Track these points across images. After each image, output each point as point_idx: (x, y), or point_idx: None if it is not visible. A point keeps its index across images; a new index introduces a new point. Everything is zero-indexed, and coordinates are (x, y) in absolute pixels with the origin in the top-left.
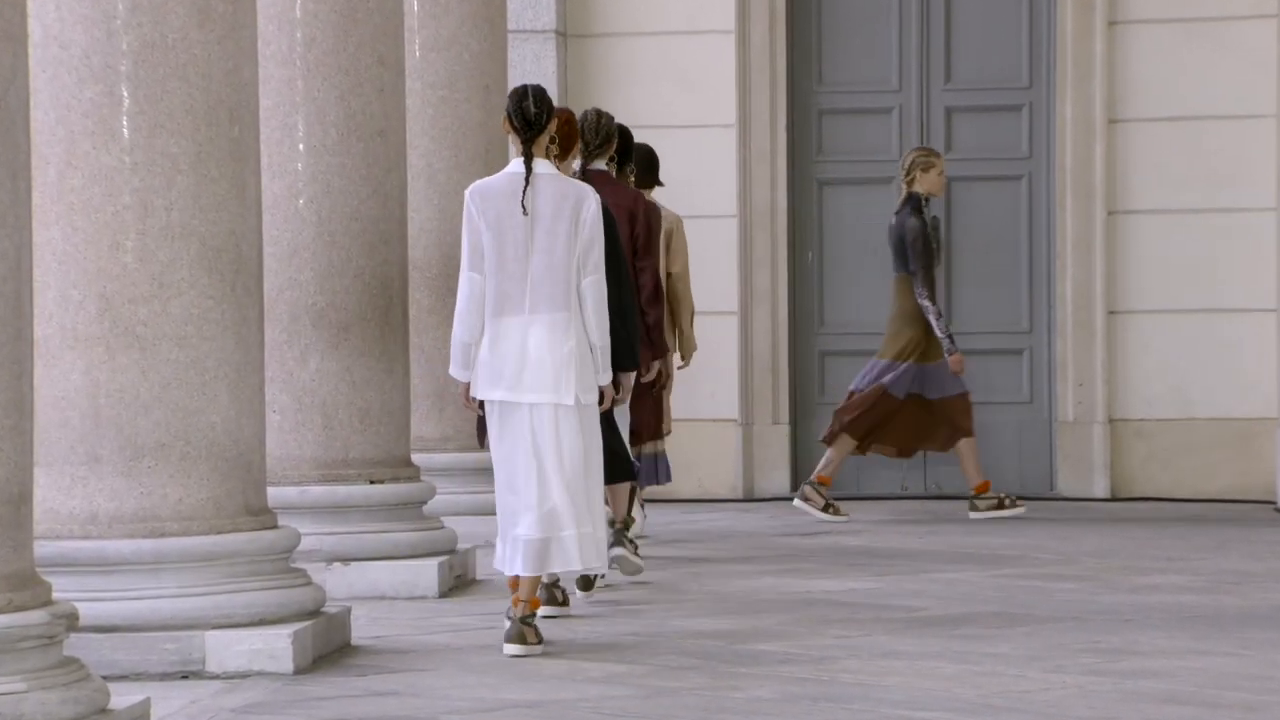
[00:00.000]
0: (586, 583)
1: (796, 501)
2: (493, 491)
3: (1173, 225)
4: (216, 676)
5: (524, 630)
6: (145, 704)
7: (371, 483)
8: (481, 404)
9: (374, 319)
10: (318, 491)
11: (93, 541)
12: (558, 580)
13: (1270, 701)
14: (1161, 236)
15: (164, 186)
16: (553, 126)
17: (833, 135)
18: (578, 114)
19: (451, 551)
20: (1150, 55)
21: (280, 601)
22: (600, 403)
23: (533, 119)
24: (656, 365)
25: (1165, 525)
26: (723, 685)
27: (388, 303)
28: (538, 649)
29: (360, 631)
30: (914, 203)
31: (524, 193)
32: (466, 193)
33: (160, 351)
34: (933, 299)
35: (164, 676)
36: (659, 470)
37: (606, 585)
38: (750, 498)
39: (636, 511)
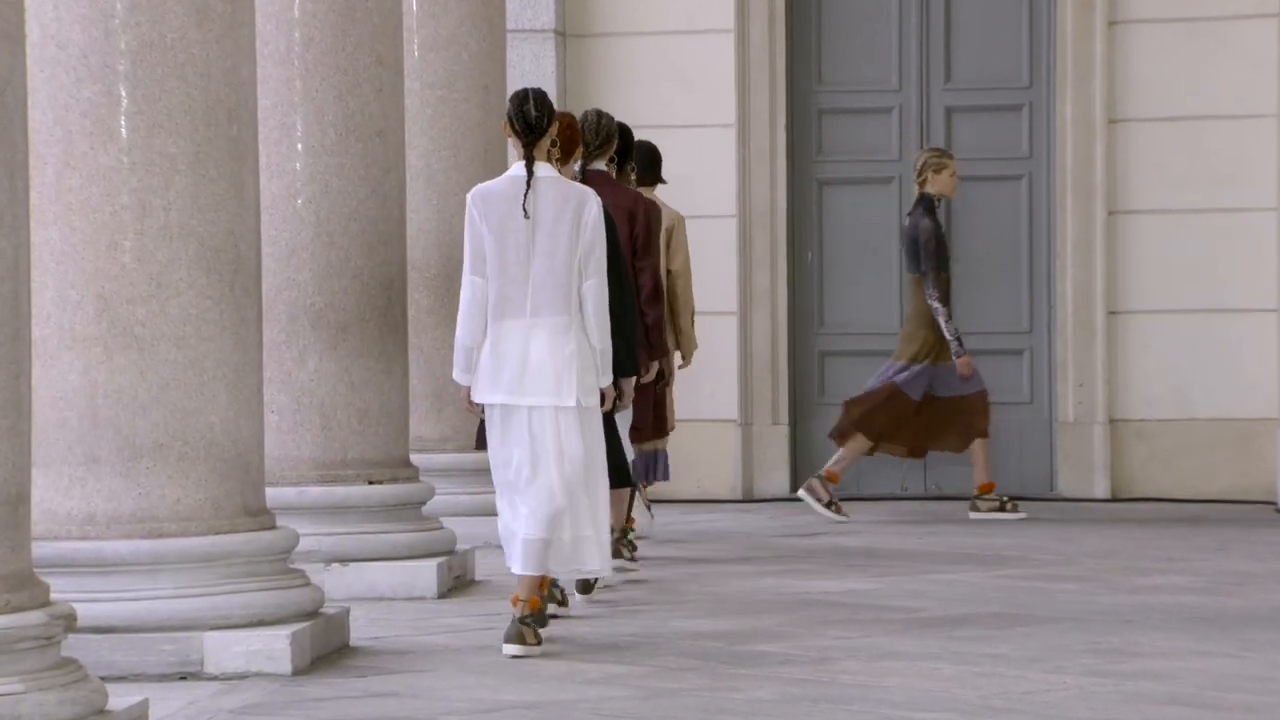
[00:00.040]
0: (586, 585)
1: (801, 491)
2: (491, 492)
3: (1173, 225)
4: (215, 677)
5: (523, 630)
6: (143, 705)
7: (370, 483)
8: (483, 408)
9: (373, 319)
10: (316, 492)
11: (91, 542)
12: (556, 581)
13: (1271, 703)
14: (1162, 236)
15: (162, 186)
16: (554, 130)
17: (832, 135)
18: (578, 115)
19: (450, 552)
20: (1150, 55)
21: (278, 602)
22: (601, 404)
23: (534, 122)
24: (655, 366)
25: (1166, 526)
26: (722, 686)
27: (386, 303)
28: (536, 650)
29: (359, 632)
30: (926, 203)
31: (525, 196)
32: (468, 196)
33: (158, 352)
34: (943, 300)
35: (162, 677)
36: (658, 468)
37: (605, 586)
38: (750, 498)
39: (641, 512)
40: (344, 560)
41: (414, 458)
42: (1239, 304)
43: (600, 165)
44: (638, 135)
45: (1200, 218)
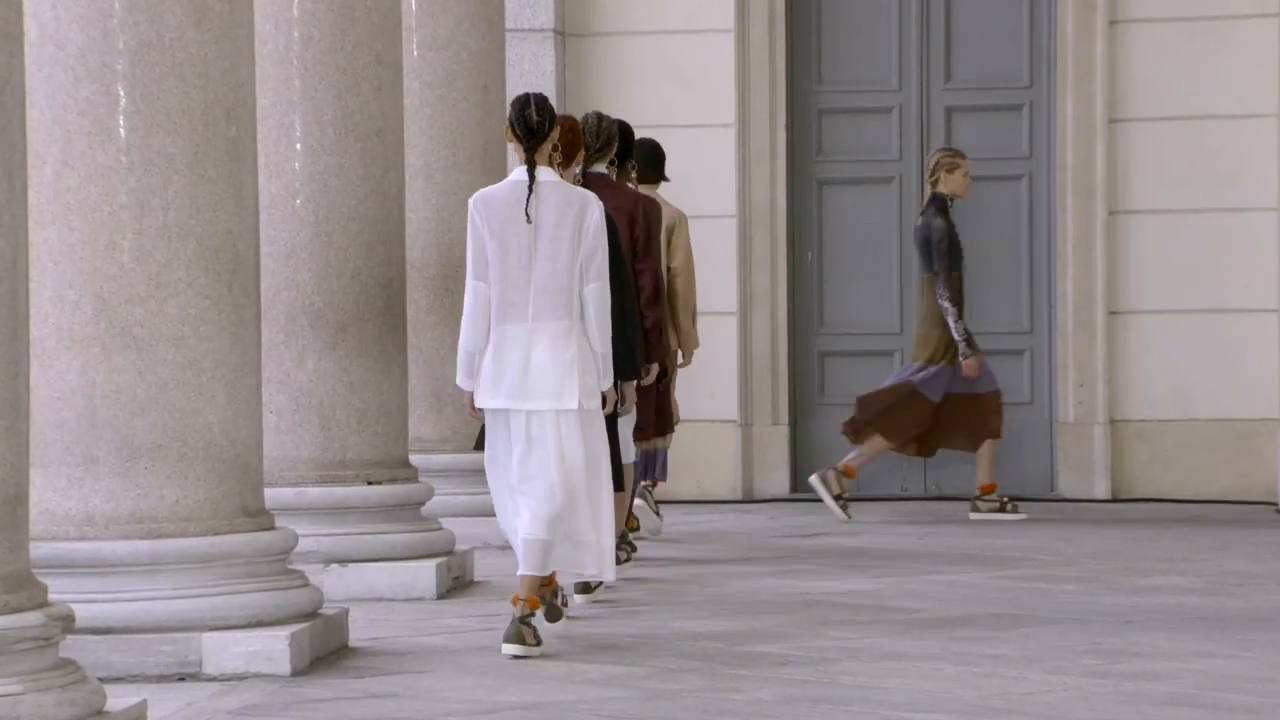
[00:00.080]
0: (586, 586)
1: (814, 479)
2: (490, 493)
3: (1174, 225)
4: (213, 678)
5: (522, 630)
6: (142, 706)
7: (369, 484)
8: (484, 412)
9: (371, 319)
10: (315, 493)
11: (89, 543)
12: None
13: (1272, 704)
14: (1162, 236)
15: (160, 186)
16: (555, 134)
17: (832, 135)
18: (578, 116)
19: (449, 553)
20: (1151, 54)
21: (277, 603)
22: (602, 407)
23: (535, 127)
24: (654, 369)
25: (1166, 526)
26: (722, 687)
27: (385, 303)
28: (535, 650)
29: (358, 633)
30: (939, 203)
31: (528, 201)
32: (470, 202)
33: (157, 352)
34: (955, 300)
35: (160, 678)
36: (656, 467)
37: (605, 587)
38: (750, 499)
39: (647, 515)
40: (343, 561)
41: (413, 458)
42: (1240, 304)
43: (600, 168)
44: (637, 135)
45: (1201, 218)
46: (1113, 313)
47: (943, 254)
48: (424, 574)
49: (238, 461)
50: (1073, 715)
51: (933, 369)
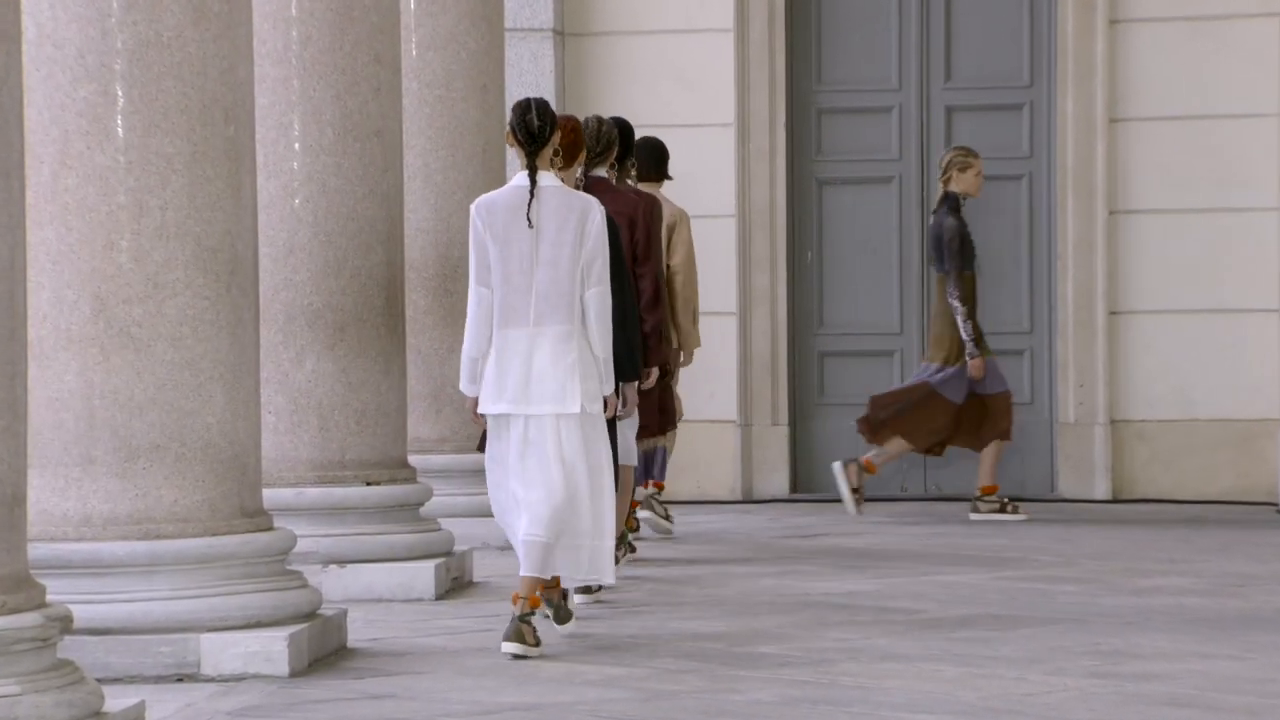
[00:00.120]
0: (586, 587)
1: (836, 466)
2: (489, 493)
3: (1174, 225)
4: (212, 679)
5: (522, 629)
6: (140, 707)
7: (368, 484)
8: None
9: (370, 319)
10: (314, 493)
11: (87, 543)
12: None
13: (1273, 705)
14: (1163, 236)
15: (159, 186)
16: (556, 139)
17: (832, 134)
18: (579, 118)
19: (448, 553)
20: (1152, 54)
21: (276, 604)
22: (605, 411)
23: (536, 132)
24: (654, 373)
25: (1167, 527)
26: (721, 688)
27: (384, 303)
28: (535, 651)
29: (357, 634)
30: (951, 202)
31: (529, 206)
32: (472, 207)
33: (155, 352)
34: (965, 300)
35: (159, 679)
36: (656, 467)
37: (605, 588)
38: (749, 499)
39: (654, 523)
40: (341, 561)
41: (412, 458)
42: (1240, 304)
43: (601, 172)
44: (637, 135)
45: (1202, 217)
46: (1113, 313)
47: (954, 253)
48: (423, 575)
49: (236, 462)
50: (1073, 716)
51: (951, 370)
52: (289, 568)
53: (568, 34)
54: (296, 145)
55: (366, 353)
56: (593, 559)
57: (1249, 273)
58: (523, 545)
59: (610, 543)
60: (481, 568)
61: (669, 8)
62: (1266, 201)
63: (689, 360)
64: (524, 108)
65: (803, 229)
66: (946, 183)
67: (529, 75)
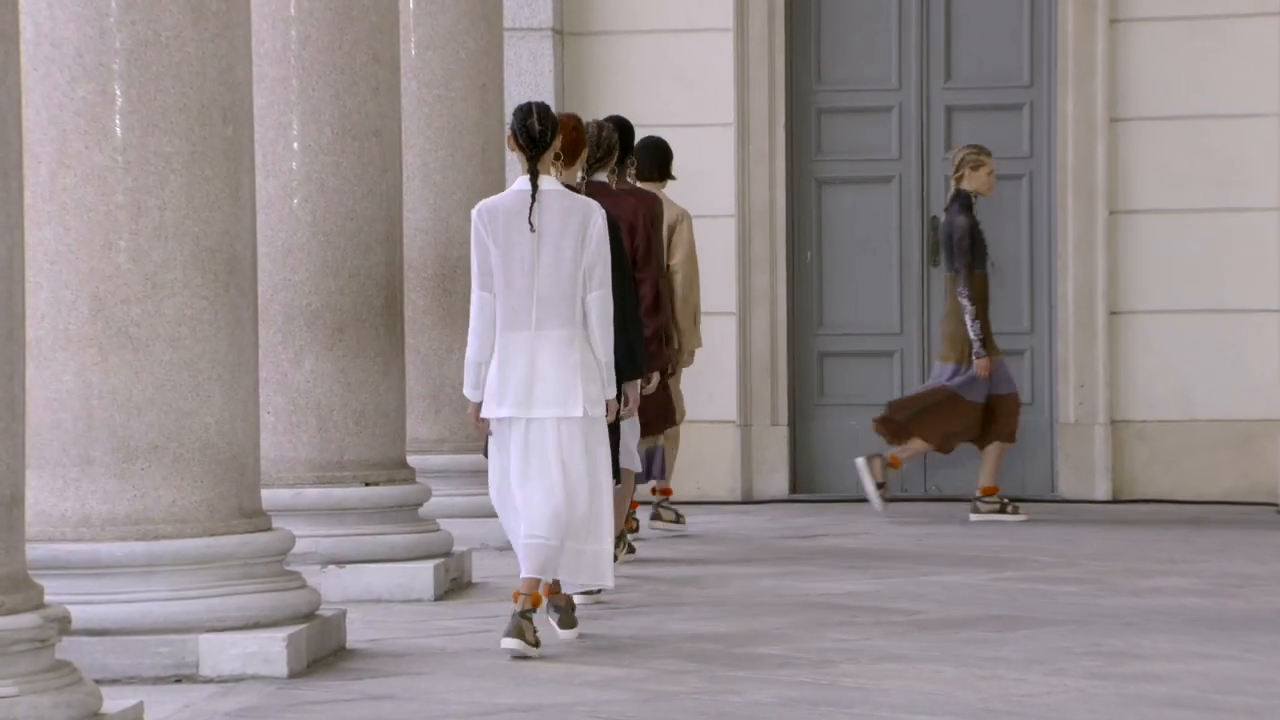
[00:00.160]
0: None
1: (859, 461)
2: (488, 494)
3: (1175, 225)
4: (210, 680)
5: (522, 625)
6: (138, 708)
7: (367, 485)
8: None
9: (369, 320)
10: (312, 494)
11: (85, 544)
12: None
13: (1274, 705)
14: (1163, 236)
15: (157, 186)
16: (557, 143)
17: (832, 134)
18: (580, 116)
19: (447, 554)
20: (1152, 53)
21: (274, 605)
22: (606, 415)
23: (538, 137)
24: (655, 378)
25: (1167, 527)
26: (721, 689)
27: (383, 303)
28: (535, 651)
29: (355, 635)
30: (963, 200)
31: (530, 210)
32: (474, 212)
33: (153, 352)
34: (975, 299)
35: (157, 680)
36: (655, 467)
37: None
38: (749, 500)
39: (666, 527)
40: (340, 562)
41: (411, 459)
42: (1241, 304)
43: (601, 177)
44: (636, 135)
45: (1202, 217)
46: (1113, 313)
47: (964, 251)
48: (422, 575)
49: (234, 462)
50: (1073, 717)
51: (970, 371)
52: (288, 568)
53: (567, 33)
54: (295, 145)
55: (365, 353)
56: (593, 563)
57: (1249, 273)
58: (523, 548)
59: (610, 546)
60: (480, 568)
61: (668, 7)
62: (1267, 201)
63: (690, 361)
64: (525, 112)
65: (802, 229)
66: (959, 181)
67: (528, 75)
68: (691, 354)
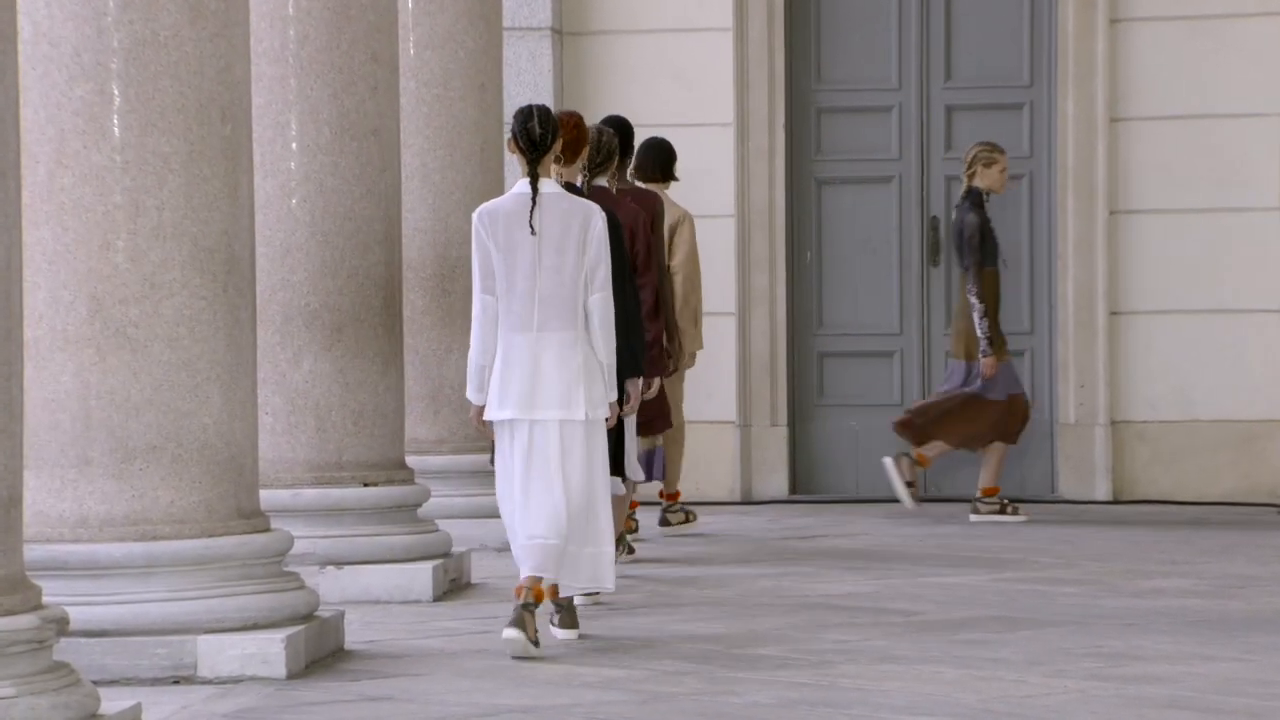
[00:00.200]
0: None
1: (887, 460)
2: (487, 494)
3: (1175, 225)
4: (208, 681)
5: (524, 617)
6: (136, 709)
7: (365, 485)
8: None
9: (368, 320)
10: (311, 494)
11: (83, 545)
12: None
13: (1275, 707)
14: (1164, 236)
15: (155, 186)
16: (558, 146)
17: (831, 134)
18: (581, 114)
19: (446, 555)
20: (1153, 53)
21: (273, 605)
22: (608, 419)
23: (538, 140)
24: (656, 383)
25: (1168, 528)
26: (720, 690)
27: (382, 303)
28: (536, 650)
29: (354, 636)
30: (974, 198)
31: (531, 213)
32: (474, 216)
33: (151, 353)
34: (984, 297)
35: (155, 681)
36: (656, 467)
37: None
38: (748, 500)
39: (681, 529)
40: (339, 563)
41: (409, 459)
42: (1242, 304)
43: (602, 182)
44: (636, 135)
45: (1203, 217)
46: (1114, 313)
47: (974, 249)
48: (420, 576)
49: (233, 463)
50: (1074, 718)
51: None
52: (286, 569)
53: (566, 33)
54: (294, 145)
55: (364, 353)
56: (593, 566)
57: (1250, 273)
58: (524, 548)
59: (610, 548)
60: (479, 569)
61: (668, 7)
62: (1267, 201)
63: (691, 363)
64: (526, 115)
65: (802, 229)
66: (971, 178)
67: (527, 74)
68: (693, 356)
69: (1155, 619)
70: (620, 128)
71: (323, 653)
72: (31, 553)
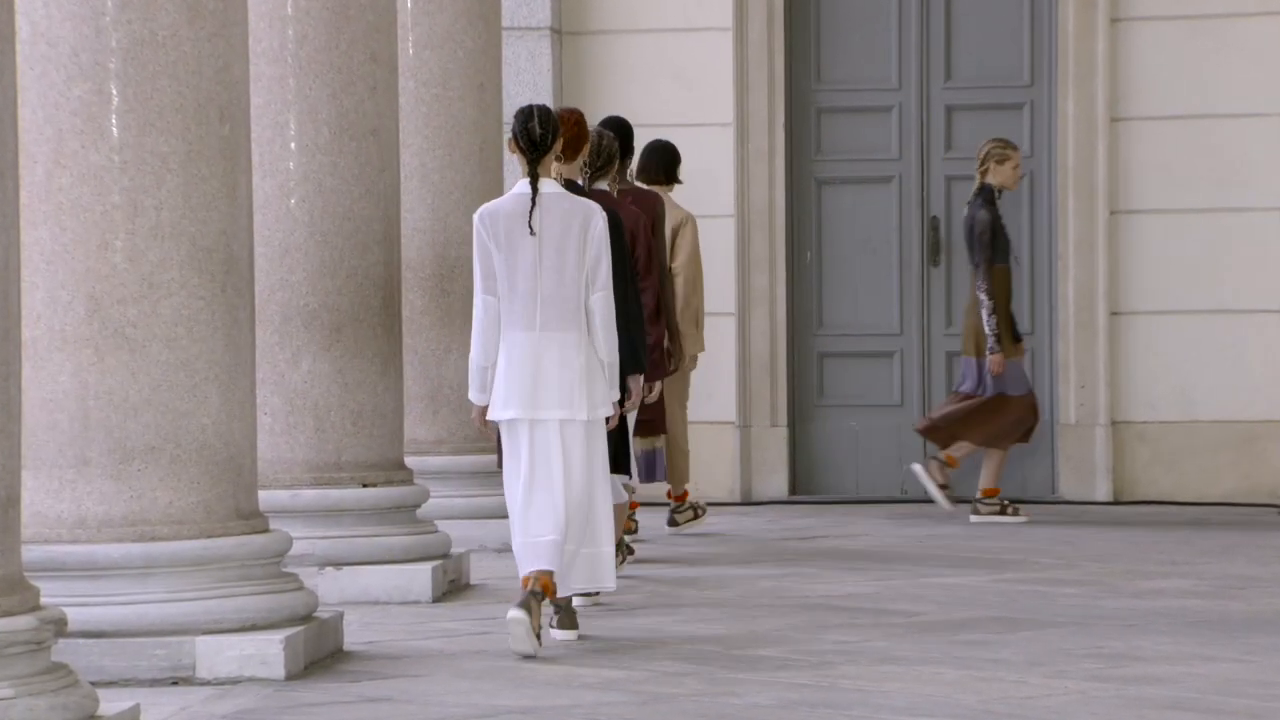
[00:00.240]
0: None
1: (916, 467)
2: (486, 495)
3: (1176, 225)
4: (207, 682)
5: (531, 602)
6: (135, 710)
7: (364, 486)
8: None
9: (367, 320)
10: (309, 495)
11: (81, 545)
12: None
13: (1275, 708)
14: (1165, 236)
15: (154, 186)
16: (558, 147)
17: (831, 134)
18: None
19: (445, 556)
20: (1153, 52)
21: (271, 606)
22: (609, 420)
23: (538, 140)
24: (657, 387)
25: (1169, 529)
26: (720, 691)
27: (381, 303)
28: (536, 645)
29: (353, 637)
30: (986, 194)
31: (531, 213)
32: (475, 216)
33: (150, 353)
34: (994, 294)
35: (154, 682)
36: (657, 469)
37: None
38: (748, 501)
39: (692, 526)
40: (338, 564)
41: (408, 460)
42: (1242, 305)
43: (603, 185)
44: (636, 135)
45: (1204, 217)
46: (1114, 313)
47: (984, 245)
48: (420, 577)
49: (231, 463)
50: (1074, 719)
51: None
52: (285, 570)
53: (565, 33)
54: (292, 144)
55: (363, 353)
56: (593, 565)
57: (1250, 273)
58: (525, 546)
59: (610, 549)
60: (479, 570)
61: (667, 6)
62: (1268, 201)
63: (693, 365)
64: (526, 115)
65: (802, 229)
66: (983, 174)
67: (526, 74)
68: (694, 358)
69: (1156, 620)
70: (620, 128)
71: (322, 654)
72: (29, 553)
